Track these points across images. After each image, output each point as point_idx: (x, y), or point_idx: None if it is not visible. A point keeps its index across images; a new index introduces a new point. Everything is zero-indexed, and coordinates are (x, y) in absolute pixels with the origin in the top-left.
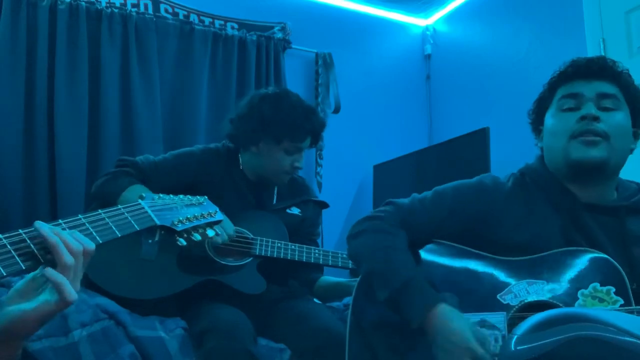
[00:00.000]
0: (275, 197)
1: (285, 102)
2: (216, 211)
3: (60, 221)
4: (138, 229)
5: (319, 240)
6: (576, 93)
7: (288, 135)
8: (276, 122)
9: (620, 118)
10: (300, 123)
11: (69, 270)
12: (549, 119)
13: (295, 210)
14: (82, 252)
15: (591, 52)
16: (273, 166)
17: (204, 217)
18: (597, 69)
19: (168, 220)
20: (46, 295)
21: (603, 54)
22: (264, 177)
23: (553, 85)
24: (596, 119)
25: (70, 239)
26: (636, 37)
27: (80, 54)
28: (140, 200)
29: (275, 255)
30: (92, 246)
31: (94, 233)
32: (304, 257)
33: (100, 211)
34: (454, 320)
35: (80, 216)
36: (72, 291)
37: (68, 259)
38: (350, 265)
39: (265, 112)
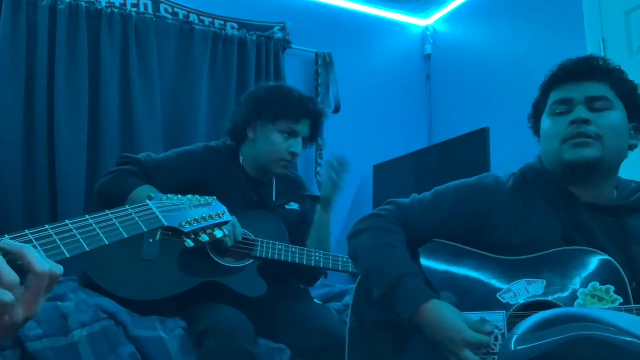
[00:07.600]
0: (274, 194)
1: (281, 87)
2: (224, 212)
3: (67, 222)
4: (146, 230)
5: None
6: (567, 98)
7: (282, 114)
8: (271, 102)
9: (612, 118)
10: (294, 104)
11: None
12: (544, 123)
13: (294, 206)
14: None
15: (591, 52)
16: (269, 150)
17: (212, 218)
18: (586, 70)
19: (176, 222)
20: None
21: (603, 54)
22: (263, 166)
23: (546, 89)
24: (586, 122)
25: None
26: (636, 37)
27: (80, 54)
28: (147, 201)
29: (276, 258)
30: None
31: (101, 234)
32: (305, 260)
33: (107, 212)
34: (446, 315)
35: (87, 217)
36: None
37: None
38: (350, 270)
39: (261, 95)
